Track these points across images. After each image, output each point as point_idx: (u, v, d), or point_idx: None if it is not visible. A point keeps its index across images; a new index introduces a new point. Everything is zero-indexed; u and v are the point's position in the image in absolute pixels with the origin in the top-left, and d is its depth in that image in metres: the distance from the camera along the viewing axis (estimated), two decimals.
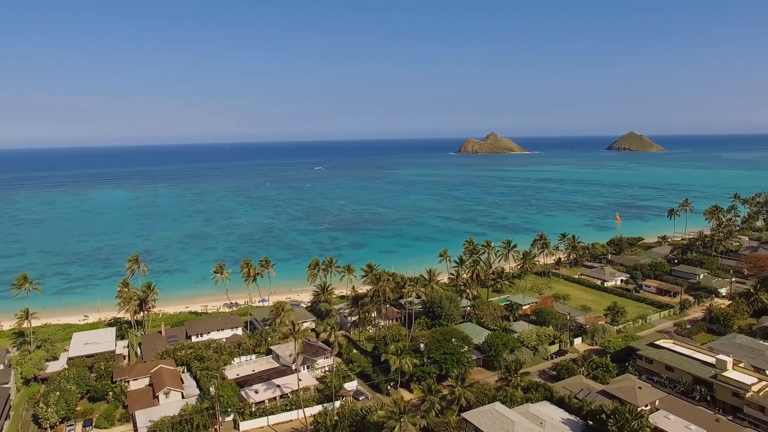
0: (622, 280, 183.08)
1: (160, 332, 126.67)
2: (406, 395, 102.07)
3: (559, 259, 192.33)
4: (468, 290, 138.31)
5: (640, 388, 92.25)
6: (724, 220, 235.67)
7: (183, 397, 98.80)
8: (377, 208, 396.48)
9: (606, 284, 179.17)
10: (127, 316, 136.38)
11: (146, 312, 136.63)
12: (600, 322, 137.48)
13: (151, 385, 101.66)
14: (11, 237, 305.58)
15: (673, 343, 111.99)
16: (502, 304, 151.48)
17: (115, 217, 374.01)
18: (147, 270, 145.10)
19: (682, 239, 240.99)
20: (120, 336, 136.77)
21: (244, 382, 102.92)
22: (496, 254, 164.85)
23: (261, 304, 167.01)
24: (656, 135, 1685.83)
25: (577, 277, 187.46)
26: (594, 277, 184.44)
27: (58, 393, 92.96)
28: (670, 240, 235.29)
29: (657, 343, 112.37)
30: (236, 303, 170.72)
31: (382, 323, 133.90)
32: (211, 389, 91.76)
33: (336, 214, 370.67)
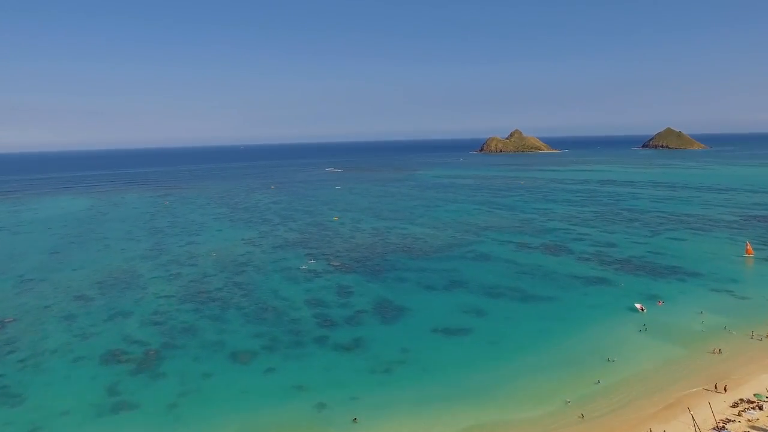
0: None
1: None
2: None
3: None
4: None
5: None
6: None
7: None
8: (408, 226, 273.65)
9: None
10: None
11: None
12: None
13: None
14: None
15: None
16: None
17: (24, 242, 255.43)
18: None
19: None
20: None
21: None
22: None
23: None
24: (689, 132, 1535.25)
25: None
26: None
27: None
28: None
29: None
30: None
31: None
32: None
33: (347, 238, 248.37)
